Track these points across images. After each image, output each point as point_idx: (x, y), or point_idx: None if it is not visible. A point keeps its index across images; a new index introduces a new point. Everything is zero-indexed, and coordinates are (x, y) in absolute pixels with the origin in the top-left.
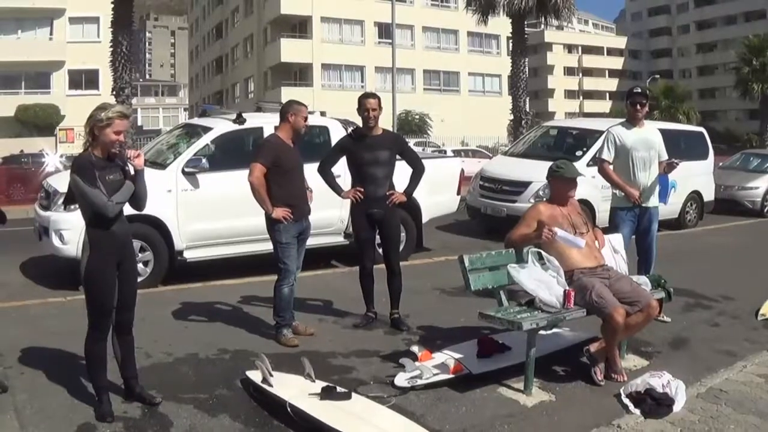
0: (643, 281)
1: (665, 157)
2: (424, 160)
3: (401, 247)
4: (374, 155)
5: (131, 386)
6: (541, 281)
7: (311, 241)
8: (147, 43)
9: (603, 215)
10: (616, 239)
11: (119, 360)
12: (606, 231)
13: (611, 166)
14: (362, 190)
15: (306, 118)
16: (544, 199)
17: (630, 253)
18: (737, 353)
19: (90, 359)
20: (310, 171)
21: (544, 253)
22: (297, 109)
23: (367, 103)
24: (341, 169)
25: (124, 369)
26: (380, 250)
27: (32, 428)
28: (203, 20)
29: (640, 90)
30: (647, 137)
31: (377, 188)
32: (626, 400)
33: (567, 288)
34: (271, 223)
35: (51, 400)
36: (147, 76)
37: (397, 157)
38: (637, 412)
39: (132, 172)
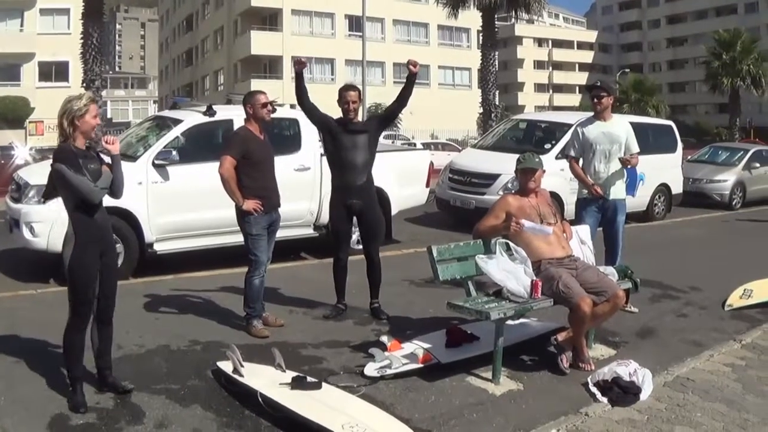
0: (610, 272)
1: (635, 149)
2: (393, 153)
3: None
4: (354, 140)
5: (105, 376)
6: (509, 272)
7: (281, 233)
8: (117, 35)
9: (571, 207)
10: (583, 230)
11: (96, 350)
12: (573, 223)
13: (579, 161)
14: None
15: (265, 104)
16: (513, 191)
17: (598, 244)
18: (704, 343)
19: (68, 349)
20: (280, 164)
21: (511, 244)
22: (253, 99)
23: (347, 96)
24: (312, 162)
25: (100, 359)
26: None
27: (7, 419)
28: (173, 12)
29: (599, 83)
30: (611, 131)
31: (356, 176)
32: (593, 389)
33: (534, 278)
34: (242, 215)
35: (26, 390)
36: (117, 69)
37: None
38: (605, 400)
39: (108, 160)
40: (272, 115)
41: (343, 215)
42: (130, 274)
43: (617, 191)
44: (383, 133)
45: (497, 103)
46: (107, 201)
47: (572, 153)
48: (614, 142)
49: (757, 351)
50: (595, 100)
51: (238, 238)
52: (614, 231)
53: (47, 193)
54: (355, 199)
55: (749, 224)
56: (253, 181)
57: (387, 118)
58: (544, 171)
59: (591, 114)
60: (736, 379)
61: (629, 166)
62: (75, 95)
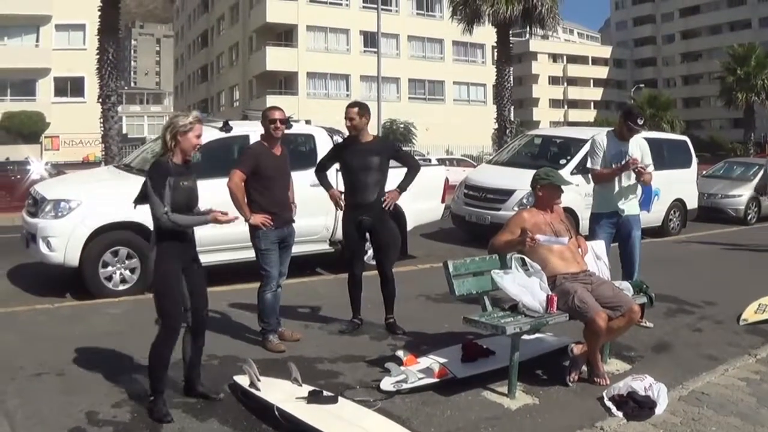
0: (625, 286)
1: (651, 167)
2: None
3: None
4: (363, 161)
5: (195, 386)
6: (525, 286)
7: (297, 248)
8: (132, 51)
9: (586, 223)
10: (599, 246)
11: (188, 361)
12: (588, 238)
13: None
14: (343, 199)
15: (273, 121)
16: (528, 206)
17: (614, 260)
18: (719, 357)
19: (156, 363)
20: (296, 179)
21: (527, 259)
22: (265, 113)
23: (346, 113)
24: (331, 178)
25: (192, 369)
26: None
27: None
28: (189, 28)
29: (639, 113)
30: (627, 149)
31: (367, 195)
32: (609, 403)
33: (550, 293)
34: (252, 230)
35: (42, 405)
36: (132, 84)
37: (393, 162)
38: (620, 414)
39: (210, 220)
40: (287, 131)
41: (354, 231)
42: (146, 288)
43: (631, 207)
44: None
45: (512, 118)
46: (123, 216)
47: (596, 166)
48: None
49: None
50: (632, 131)
51: (253, 253)
52: (631, 247)
53: (137, 200)
54: (366, 215)
55: (764, 239)
56: (263, 197)
57: (397, 158)
58: None
59: (608, 129)
60: (751, 393)
61: (644, 184)
62: (183, 112)
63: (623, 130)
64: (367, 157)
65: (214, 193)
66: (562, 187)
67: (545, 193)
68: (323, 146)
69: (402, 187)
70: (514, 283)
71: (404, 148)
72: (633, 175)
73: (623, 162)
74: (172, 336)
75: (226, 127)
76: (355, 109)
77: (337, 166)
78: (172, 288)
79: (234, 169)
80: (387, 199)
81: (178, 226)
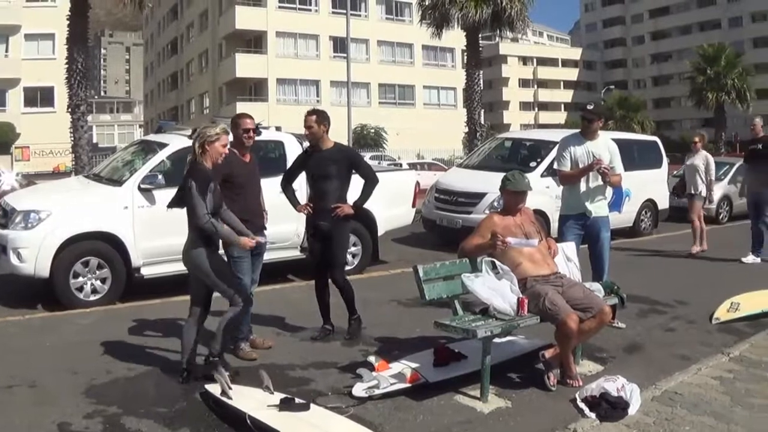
0: (596, 288)
1: (619, 170)
2: (378, 174)
3: (356, 261)
4: (321, 170)
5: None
6: (495, 289)
7: (268, 255)
8: (102, 60)
9: (557, 225)
10: (569, 247)
11: (195, 344)
12: (558, 240)
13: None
14: (311, 204)
15: (248, 130)
16: (499, 210)
17: (585, 261)
18: (692, 357)
19: (232, 330)
20: (266, 186)
21: (497, 262)
22: (236, 121)
23: (304, 120)
24: (297, 184)
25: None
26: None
27: None
28: (158, 36)
29: (593, 107)
30: (595, 150)
31: (324, 201)
32: (581, 405)
33: (520, 296)
34: None
35: (14, 416)
36: (102, 93)
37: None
38: (593, 415)
39: (239, 243)
40: (257, 138)
41: (313, 237)
42: (117, 298)
43: (599, 209)
44: (370, 154)
45: (483, 122)
46: (93, 226)
47: (564, 168)
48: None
49: (745, 364)
50: (586, 122)
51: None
52: (600, 248)
53: (172, 203)
54: (322, 221)
55: (735, 238)
56: (235, 204)
57: (356, 169)
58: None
59: (575, 131)
60: (724, 392)
61: (615, 187)
62: (211, 124)
63: (582, 126)
64: (325, 165)
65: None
66: (533, 189)
67: (508, 197)
68: (293, 152)
69: (358, 204)
70: (485, 287)
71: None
72: (599, 177)
73: (588, 162)
74: (247, 307)
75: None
76: (313, 117)
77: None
78: (228, 268)
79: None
80: (339, 209)
81: (214, 232)
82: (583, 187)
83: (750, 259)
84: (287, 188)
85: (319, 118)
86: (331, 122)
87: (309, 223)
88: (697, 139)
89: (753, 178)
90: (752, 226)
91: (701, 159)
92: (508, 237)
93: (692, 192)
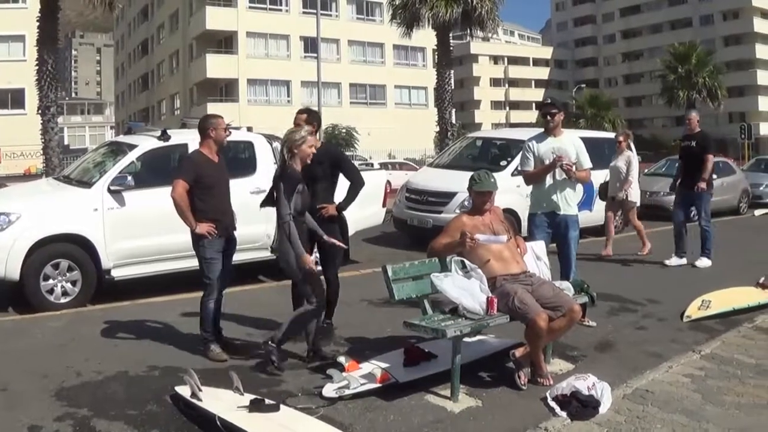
0: (566, 286)
1: (587, 165)
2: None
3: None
4: (309, 170)
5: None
6: (464, 289)
7: (239, 256)
8: (73, 61)
9: (527, 223)
10: (539, 246)
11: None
12: (528, 239)
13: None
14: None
15: (226, 129)
16: (469, 209)
17: (554, 260)
18: (663, 354)
19: (299, 328)
20: (234, 186)
21: (467, 262)
22: (215, 122)
23: (294, 119)
24: (268, 184)
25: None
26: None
27: None
28: (129, 37)
29: (550, 100)
30: (561, 146)
31: (314, 202)
32: (552, 403)
33: (490, 295)
34: (196, 239)
35: None
36: (73, 95)
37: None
38: (564, 414)
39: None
40: (227, 138)
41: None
42: (88, 301)
43: (568, 207)
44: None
45: (454, 121)
46: (63, 229)
47: (528, 168)
48: (564, 157)
49: (717, 361)
50: (548, 117)
51: (196, 262)
52: (567, 246)
53: (264, 203)
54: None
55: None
56: (206, 205)
57: (340, 169)
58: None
59: (542, 130)
60: (696, 389)
61: (584, 183)
62: (296, 128)
63: (545, 123)
64: (312, 165)
65: (154, 201)
66: (500, 187)
67: (475, 197)
68: (262, 153)
69: (341, 206)
70: (454, 286)
71: (349, 157)
72: (565, 174)
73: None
74: (320, 312)
75: (164, 136)
76: (304, 116)
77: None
78: (311, 269)
79: (176, 179)
80: (324, 209)
81: (287, 233)
82: (550, 184)
83: (674, 261)
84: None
85: (309, 117)
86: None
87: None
88: (621, 139)
89: (685, 176)
90: (676, 225)
91: (624, 160)
92: (476, 234)
93: (613, 196)
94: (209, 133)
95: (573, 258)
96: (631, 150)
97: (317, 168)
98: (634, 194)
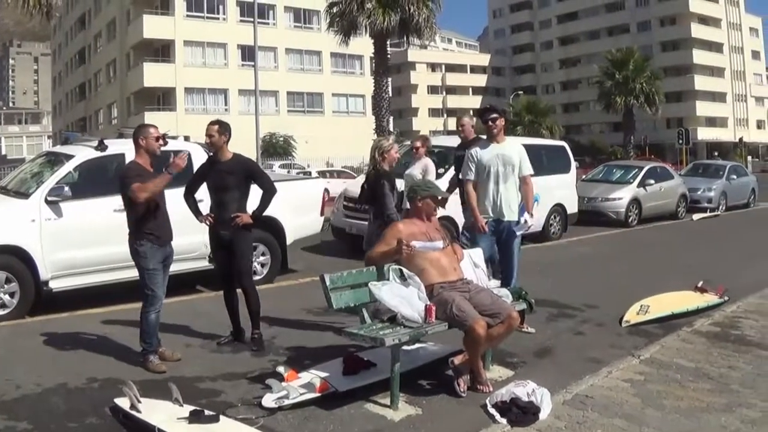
0: (504, 293)
1: (528, 171)
2: (286, 183)
3: (265, 270)
4: (220, 181)
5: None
6: (402, 297)
7: (176, 267)
8: (10, 70)
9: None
10: (476, 253)
11: None
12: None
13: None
14: (212, 215)
15: (158, 138)
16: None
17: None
18: (602, 359)
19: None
20: (172, 196)
21: (404, 270)
22: (146, 132)
23: (206, 129)
24: (203, 194)
25: None
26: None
27: None
28: (66, 46)
29: (490, 106)
30: (504, 152)
31: (224, 211)
32: (492, 410)
33: (428, 303)
34: (136, 250)
35: None
36: (10, 104)
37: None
38: (504, 421)
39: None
40: (164, 148)
41: (215, 246)
42: (26, 312)
43: (511, 213)
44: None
45: (392, 128)
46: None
47: (469, 176)
48: (507, 164)
49: (656, 365)
50: (490, 123)
51: (134, 273)
52: (508, 253)
53: (362, 200)
54: (223, 230)
55: (645, 241)
56: (144, 215)
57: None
58: None
59: (483, 137)
60: (635, 394)
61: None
62: (385, 136)
63: (487, 129)
64: (224, 176)
65: (92, 212)
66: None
67: (425, 204)
68: (199, 162)
69: (256, 214)
70: (392, 294)
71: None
72: (510, 181)
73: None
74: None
75: (101, 146)
76: (215, 127)
77: None
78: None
79: (132, 186)
80: (237, 218)
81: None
82: (495, 191)
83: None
84: (189, 199)
85: (221, 128)
86: (241, 131)
87: (211, 233)
88: (418, 144)
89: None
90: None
91: (420, 167)
92: (413, 242)
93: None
94: (140, 142)
95: (515, 265)
96: (428, 157)
97: (229, 178)
98: None
